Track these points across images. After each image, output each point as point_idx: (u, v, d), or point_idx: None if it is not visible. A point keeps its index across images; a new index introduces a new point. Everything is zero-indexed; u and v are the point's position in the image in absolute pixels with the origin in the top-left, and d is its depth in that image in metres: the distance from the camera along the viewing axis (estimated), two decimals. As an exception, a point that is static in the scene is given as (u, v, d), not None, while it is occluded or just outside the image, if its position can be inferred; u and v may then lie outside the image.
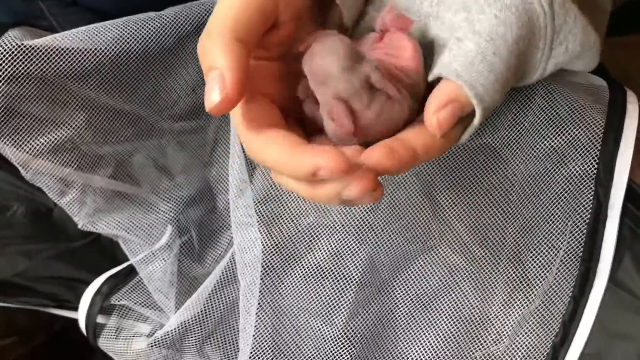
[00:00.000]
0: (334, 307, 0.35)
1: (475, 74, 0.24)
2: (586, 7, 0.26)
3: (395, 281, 0.36)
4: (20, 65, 0.34)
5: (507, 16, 0.24)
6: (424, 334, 0.35)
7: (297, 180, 0.22)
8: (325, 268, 0.36)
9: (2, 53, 0.33)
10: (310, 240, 0.36)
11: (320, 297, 0.36)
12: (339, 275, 0.35)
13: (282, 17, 0.24)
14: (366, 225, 0.35)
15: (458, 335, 0.35)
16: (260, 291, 0.36)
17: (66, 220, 0.42)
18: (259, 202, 0.36)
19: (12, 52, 0.33)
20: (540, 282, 0.34)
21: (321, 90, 0.23)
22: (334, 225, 0.35)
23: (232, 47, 0.22)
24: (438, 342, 0.35)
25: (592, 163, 0.33)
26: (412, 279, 0.36)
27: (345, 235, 0.35)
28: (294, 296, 0.36)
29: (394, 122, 0.24)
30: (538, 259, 0.34)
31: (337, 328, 0.35)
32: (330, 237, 0.35)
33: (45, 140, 0.35)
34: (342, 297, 0.35)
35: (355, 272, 0.35)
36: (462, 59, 0.24)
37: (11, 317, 0.51)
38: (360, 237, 0.35)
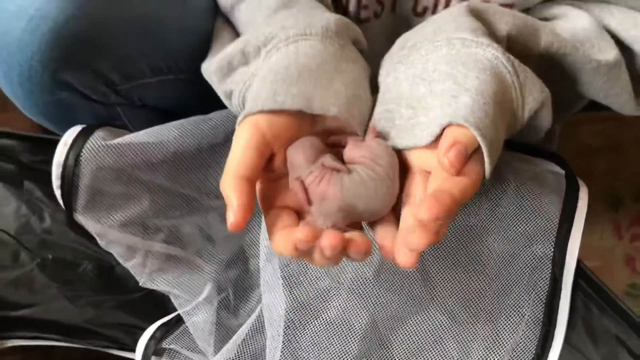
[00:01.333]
0: (341, 356, 0.43)
1: (476, 119, 0.32)
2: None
3: (392, 336, 0.44)
4: (103, 159, 0.44)
5: (485, 77, 0.33)
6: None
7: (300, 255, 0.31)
8: (335, 324, 0.44)
9: (90, 150, 0.44)
10: (324, 301, 0.44)
11: (331, 348, 0.44)
12: (346, 330, 0.44)
13: (275, 148, 0.34)
14: (370, 290, 0.44)
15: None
16: (283, 342, 0.45)
17: (126, 275, 0.51)
18: (283, 267, 0.45)
19: (98, 149, 0.44)
20: (510, 340, 0.42)
21: (291, 176, 0.33)
22: (343, 289, 0.44)
23: (238, 185, 0.31)
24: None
25: (550, 247, 0.41)
26: (406, 335, 0.44)
27: (352, 297, 0.44)
28: (310, 347, 0.45)
29: (381, 196, 0.32)
30: (508, 322, 0.42)
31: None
32: (340, 298, 0.44)
33: (118, 216, 0.45)
34: (347, 348, 0.43)
35: (359, 327, 0.44)
36: (464, 109, 0.32)
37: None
38: (364, 300, 0.44)
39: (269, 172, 0.34)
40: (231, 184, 0.32)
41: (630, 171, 0.90)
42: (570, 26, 0.41)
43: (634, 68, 0.45)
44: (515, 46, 0.38)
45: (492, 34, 0.37)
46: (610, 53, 0.41)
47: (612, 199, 0.87)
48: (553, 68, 0.41)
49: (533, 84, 0.36)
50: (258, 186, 0.34)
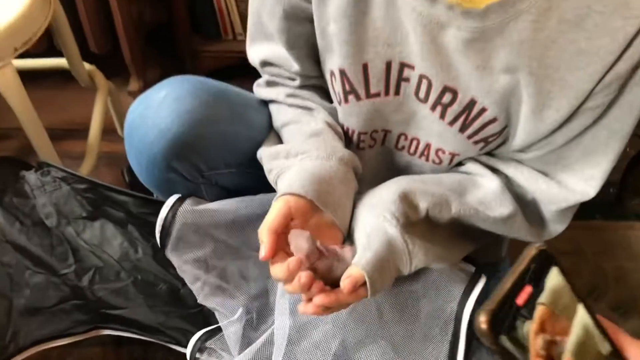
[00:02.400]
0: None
1: (369, 268, 0.56)
2: (432, 241, 0.60)
3: (356, 356, 0.67)
4: (188, 218, 0.70)
5: (384, 244, 0.59)
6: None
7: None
8: (319, 343, 0.68)
9: (182, 212, 0.70)
10: (314, 327, 0.68)
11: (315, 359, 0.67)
12: (325, 348, 0.67)
13: (294, 217, 0.59)
14: (344, 321, 0.67)
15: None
16: (284, 352, 0.68)
17: (187, 296, 0.77)
18: (291, 302, 0.69)
19: (186, 212, 0.70)
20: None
21: (296, 251, 0.57)
22: (326, 320, 0.68)
23: (269, 234, 0.56)
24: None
25: (458, 309, 0.64)
26: (364, 356, 0.67)
27: (332, 326, 0.67)
28: (301, 357, 0.68)
29: (339, 273, 0.57)
30: (429, 353, 0.65)
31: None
32: (324, 325, 0.68)
33: (191, 256, 0.71)
34: None
35: (334, 347, 0.67)
36: (364, 260, 0.57)
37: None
38: (339, 328, 0.67)
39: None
40: (265, 233, 0.57)
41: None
42: (479, 192, 0.67)
43: (536, 210, 0.69)
44: (433, 213, 0.64)
45: (415, 207, 0.63)
46: (507, 208, 0.67)
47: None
48: (466, 221, 0.66)
49: (420, 251, 0.61)
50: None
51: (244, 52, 0.77)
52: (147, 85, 1.49)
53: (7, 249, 0.76)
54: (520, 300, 0.35)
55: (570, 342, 0.37)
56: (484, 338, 0.33)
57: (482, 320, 0.33)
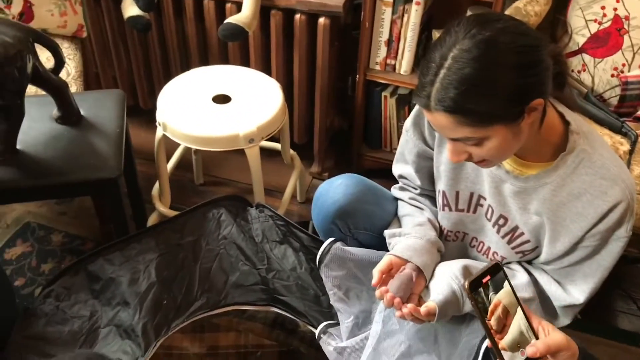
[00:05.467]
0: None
1: (440, 305, 1.03)
2: None
3: (413, 358, 1.11)
4: (336, 254, 1.21)
5: (450, 293, 1.06)
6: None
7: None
8: (394, 344, 1.13)
9: (334, 249, 1.22)
10: (393, 334, 1.14)
11: (389, 352, 1.13)
12: (397, 348, 1.12)
13: (393, 268, 1.09)
14: (412, 335, 1.12)
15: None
16: (373, 346, 1.14)
17: (324, 300, 1.27)
18: (384, 317, 1.16)
19: (336, 250, 1.22)
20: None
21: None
22: (402, 332, 1.13)
23: (378, 272, 1.07)
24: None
25: (479, 344, 1.06)
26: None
27: (404, 336, 1.13)
28: (385, 350, 1.13)
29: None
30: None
31: None
32: (399, 335, 1.13)
33: (333, 275, 1.22)
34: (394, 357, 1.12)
35: (402, 349, 1.12)
36: (438, 298, 1.04)
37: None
38: (408, 338, 1.12)
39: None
40: (376, 270, 1.08)
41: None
42: (513, 279, 1.11)
43: (551, 305, 1.11)
44: None
45: (470, 275, 1.07)
46: (529, 294, 1.10)
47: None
48: None
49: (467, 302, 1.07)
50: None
51: (392, 162, 1.31)
52: (324, 170, 2.10)
53: (233, 247, 1.34)
54: (485, 280, 0.81)
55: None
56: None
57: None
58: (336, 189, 1.24)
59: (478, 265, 1.12)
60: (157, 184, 1.81)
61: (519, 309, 0.83)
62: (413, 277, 1.07)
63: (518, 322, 0.83)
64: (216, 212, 1.37)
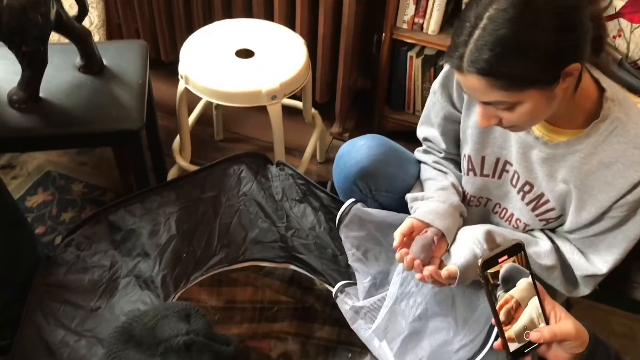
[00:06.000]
0: (409, 319, 1.13)
1: (461, 267, 1.02)
2: None
3: (430, 321, 1.11)
4: (356, 214, 1.21)
5: (470, 255, 1.04)
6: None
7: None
8: (411, 306, 1.13)
9: (354, 210, 1.21)
10: (410, 296, 1.14)
11: (407, 313, 1.13)
12: (413, 310, 1.13)
13: (415, 231, 1.08)
14: (429, 298, 1.12)
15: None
16: (390, 306, 1.15)
17: (342, 259, 1.27)
18: (402, 279, 1.16)
19: (357, 210, 1.21)
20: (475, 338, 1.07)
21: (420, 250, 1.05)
22: (419, 294, 1.13)
23: (400, 234, 1.07)
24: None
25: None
26: (435, 323, 1.11)
27: (422, 299, 1.13)
28: (401, 310, 1.14)
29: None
30: (475, 331, 1.07)
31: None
32: (417, 297, 1.13)
33: (352, 235, 1.22)
34: (412, 316, 1.12)
35: (419, 311, 1.12)
36: (459, 261, 1.03)
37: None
38: (425, 301, 1.12)
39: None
40: (398, 233, 1.07)
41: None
42: (536, 247, 1.09)
43: (572, 274, 1.09)
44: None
45: (492, 240, 1.07)
46: (551, 261, 1.08)
47: None
48: None
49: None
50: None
51: (415, 125, 1.28)
52: (344, 130, 2.08)
53: (253, 204, 1.34)
54: (501, 260, 0.80)
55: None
56: (478, 270, 0.79)
57: (480, 261, 0.78)
58: (359, 150, 1.23)
59: (502, 232, 1.10)
60: (177, 138, 1.81)
61: (534, 298, 0.83)
62: (434, 241, 1.06)
63: (530, 310, 0.82)
64: (237, 168, 1.36)
